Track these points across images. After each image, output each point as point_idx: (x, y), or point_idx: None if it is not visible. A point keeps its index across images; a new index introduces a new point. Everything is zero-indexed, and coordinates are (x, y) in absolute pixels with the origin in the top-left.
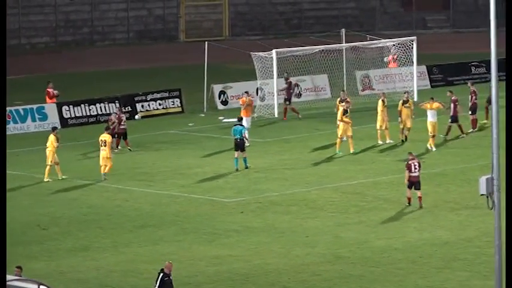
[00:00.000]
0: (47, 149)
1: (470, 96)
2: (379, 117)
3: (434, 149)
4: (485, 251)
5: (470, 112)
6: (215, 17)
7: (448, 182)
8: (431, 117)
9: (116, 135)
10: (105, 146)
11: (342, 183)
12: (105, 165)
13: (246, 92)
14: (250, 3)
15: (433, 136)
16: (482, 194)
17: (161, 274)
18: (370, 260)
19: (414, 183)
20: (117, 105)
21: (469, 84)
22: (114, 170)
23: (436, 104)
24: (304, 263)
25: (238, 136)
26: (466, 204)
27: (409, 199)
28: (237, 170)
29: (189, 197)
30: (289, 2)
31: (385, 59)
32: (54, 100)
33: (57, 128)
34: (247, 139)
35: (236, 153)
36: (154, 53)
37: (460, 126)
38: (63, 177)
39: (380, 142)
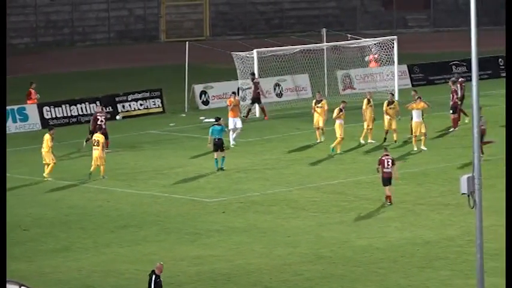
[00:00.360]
0: (43, 150)
1: (451, 95)
2: (367, 117)
3: (425, 148)
4: (467, 250)
5: (451, 111)
6: (196, 17)
7: (430, 181)
8: (416, 117)
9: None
10: (97, 145)
11: (323, 183)
12: (97, 165)
13: (233, 93)
14: (231, 3)
15: (425, 135)
16: (463, 193)
17: (153, 276)
18: (352, 260)
19: (387, 179)
20: (98, 104)
21: (450, 83)
22: (95, 170)
23: (421, 104)
24: (286, 262)
25: (216, 136)
26: (447, 203)
27: (389, 197)
28: (217, 170)
29: (170, 197)
30: (270, 1)
31: (366, 59)
32: (35, 102)
33: (53, 127)
34: (240, 130)
35: (215, 154)
36: (135, 53)
37: (452, 119)
38: (48, 178)
39: (362, 142)
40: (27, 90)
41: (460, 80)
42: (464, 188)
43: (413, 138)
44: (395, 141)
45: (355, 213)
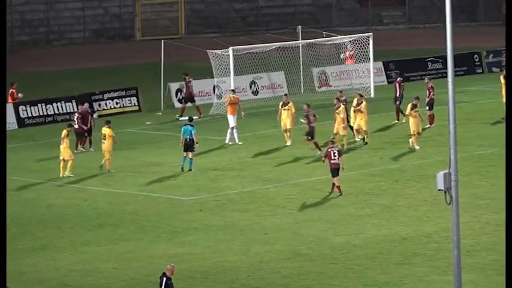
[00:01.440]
0: (61, 146)
1: (427, 91)
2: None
3: (417, 147)
4: (444, 246)
5: (427, 108)
6: (171, 15)
7: (406, 178)
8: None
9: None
10: (104, 139)
11: (300, 180)
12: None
13: (232, 90)
14: (206, 1)
15: (419, 134)
16: (439, 190)
17: (164, 278)
18: (329, 257)
19: (335, 170)
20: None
21: (426, 80)
22: (73, 169)
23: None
24: (264, 260)
25: (187, 136)
26: (424, 199)
27: (339, 187)
28: (182, 169)
29: (147, 195)
30: None
31: (342, 56)
32: (17, 102)
33: (72, 125)
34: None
35: (185, 153)
36: (110, 52)
37: (429, 115)
38: (68, 174)
39: (357, 139)
40: (9, 90)
41: (398, 79)
42: (440, 185)
43: (413, 137)
44: (365, 142)
45: (332, 210)
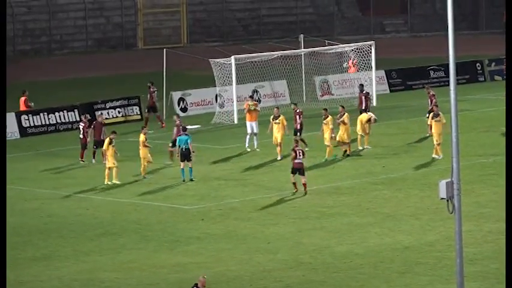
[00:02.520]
0: (108, 153)
1: (429, 100)
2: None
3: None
4: (447, 255)
5: (428, 115)
6: (173, 24)
7: (409, 187)
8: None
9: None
10: (140, 145)
11: (302, 189)
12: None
13: (250, 96)
14: (208, 10)
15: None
16: (442, 198)
17: None
18: (332, 266)
19: (298, 169)
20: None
21: (426, 89)
22: (75, 178)
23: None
24: (266, 269)
25: (183, 145)
26: (426, 208)
27: (294, 184)
28: (183, 181)
29: (150, 204)
30: (248, 8)
31: (345, 65)
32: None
33: (115, 131)
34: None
35: (182, 164)
36: (113, 61)
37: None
38: (114, 182)
39: (360, 147)
40: (20, 98)
41: (364, 92)
42: (443, 193)
43: (438, 147)
44: (347, 154)
45: (334, 219)
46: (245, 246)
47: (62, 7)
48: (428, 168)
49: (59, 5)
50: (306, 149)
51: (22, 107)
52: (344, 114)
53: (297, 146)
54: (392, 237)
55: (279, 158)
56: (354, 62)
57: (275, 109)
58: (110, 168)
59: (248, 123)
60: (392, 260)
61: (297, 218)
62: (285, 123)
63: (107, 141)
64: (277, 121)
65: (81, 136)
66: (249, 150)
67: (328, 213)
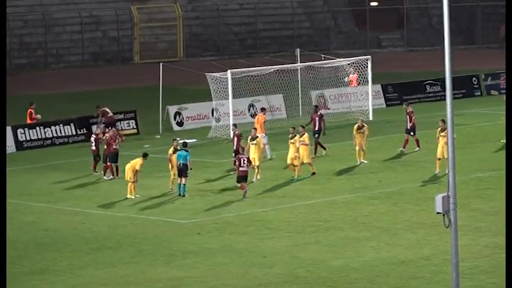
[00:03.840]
0: (127, 165)
1: (408, 117)
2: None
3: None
4: (443, 269)
5: (412, 133)
6: (169, 38)
7: (405, 201)
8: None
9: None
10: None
11: (298, 203)
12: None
13: (262, 109)
14: (204, 24)
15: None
16: (438, 212)
17: None
18: (328, 280)
19: (242, 177)
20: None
21: (404, 106)
22: (71, 192)
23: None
24: (262, 283)
25: (181, 161)
26: (422, 222)
27: (242, 188)
28: (179, 195)
29: (145, 218)
30: (244, 22)
31: (346, 79)
32: (35, 122)
33: (147, 155)
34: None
35: (179, 179)
36: (109, 75)
37: (416, 140)
38: (137, 196)
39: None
40: (27, 110)
41: (318, 113)
42: (439, 207)
43: (438, 162)
44: (313, 173)
45: (330, 233)
46: (241, 260)
47: (58, 21)
48: (425, 183)
49: (55, 18)
50: (324, 153)
51: (29, 120)
52: (304, 134)
53: (243, 155)
54: (389, 251)
55: (254, 180)
56: (355, 76)
57: (253, 130)
58: (131, 182)
59: (260, 135)
60: (389, 274)
61: (293, 232)
62: (262, 145)
63: (140, 162)
64: (254, 142)
65: (93, 148)
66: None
67: (324, 227)
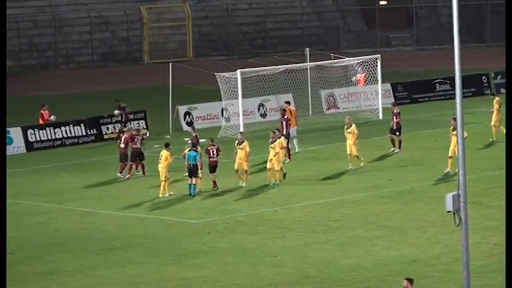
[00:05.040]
0: (159, 165)
1: (394, 116)
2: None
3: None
4: (453, 268)
5: (397, 133)
6: (179, 38)
7: (415, 200)
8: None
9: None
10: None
11: (308, 203)
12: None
13: (286, 102)
14: (214, 24)
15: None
16: (448, 211)
17: None
18: (338, 279)
19: (212, 167)
20: (138, 124)
21: (391, 106)
22: (80, 192)
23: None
24: (273, 283)
25: (192, 162)
26: (433, 221)
27: (214, 182)
28: (194, 195)
29: (156, 218)
30: (253, 22)
31: (353, 79)
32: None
33: (169, 144)
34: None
35: (189, 180)
36: (118, 75)
37: (399, 141)
38: (171, 193)
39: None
40: (39, 111)
41: (286, 117)
42: (449, 206)
43: (449, 160)
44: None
45: (341, 232)
46: (251, 260)
47: (68, 21)
48: (435, 181)
49: (64, 19)
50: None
51: (41, 121)
52: (281, 137)
53: (212, 145)
54: (399, 250)
55: (242, 183)
56: (363, 75)
57: (239, 134)
58: (165, 181)
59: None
60: (399, 273)
61: (303, 232)
62: (248, 149)
63: (167, 154)
64: (240, 146)
65: (122, 145)
66: (297, 151)
67: (334, 227)
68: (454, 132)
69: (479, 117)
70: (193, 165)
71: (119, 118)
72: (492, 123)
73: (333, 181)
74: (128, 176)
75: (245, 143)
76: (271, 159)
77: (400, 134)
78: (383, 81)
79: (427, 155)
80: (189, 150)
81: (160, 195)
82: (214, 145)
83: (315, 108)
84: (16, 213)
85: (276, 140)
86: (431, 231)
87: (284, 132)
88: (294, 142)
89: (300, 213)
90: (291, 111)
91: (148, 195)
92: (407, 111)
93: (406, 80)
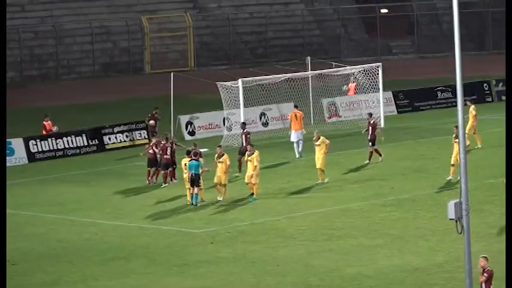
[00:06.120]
0: (184, 174)
1: (370, 128)
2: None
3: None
4: (456, 276)
5: (370, 144)
6: (180, 48)
7: (417, 208)
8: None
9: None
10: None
11: (310, 211)
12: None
13: (295, 106)
14: (215, 33)
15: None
16: (451, 219)
17: None
18: None
19: (164, 165)
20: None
21: (367, 117)
22: (82, 203)
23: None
24: None
25: (193, 171)
26: (435, 229)
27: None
28: (192, 204)
29: (158, 228)
30: (254, 31)
31: (344, 88)
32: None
33: (191, 151)
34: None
35: (191, 189)
36: (120, 85)
37: (376, 150)
38: (203, 200)
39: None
40: (42, 122)
41: (245, 131)
42: (452, 214)
43: (451, 168)
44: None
45: (343, 241)
46: (254, 269)
47: (69, 32)
48: (437, 189)
49: (65, 30)
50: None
51: (44, 132)
52: (253, 153)
53: (171, 142)
54: (402, 258)
55: (220, 198)
56: (354, 84)
57: (217, 148)
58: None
59: (293, 132)
60: (402, 281)
61: (305, 240)
62: (228, 163)
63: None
64: (220, 160)
65: (150, 151)
66: (298, 157)
67: (337, 235)
68: (456, 140)
69: (481, 125)
70: (195, 174)
71: (156, 129)
72: (466, 131)
73: (335, 189)
74: (165, 184)
75: (225, 157)
76: (252, 174)
77: (373, 145)
78: (384, 90)
79: (429, 163)
80: (190, 160)
81: (220, 199)
82: (172, 142)
83: (317, 116)
84: (18, 224)
85: (253, 153)
86: (434, 239)
87: (242, 146)
88: (295, 146)
89: (303, 222)
90: (296, 115)
91: (150, 205)
92: (409, 119)
93: (408, 88)
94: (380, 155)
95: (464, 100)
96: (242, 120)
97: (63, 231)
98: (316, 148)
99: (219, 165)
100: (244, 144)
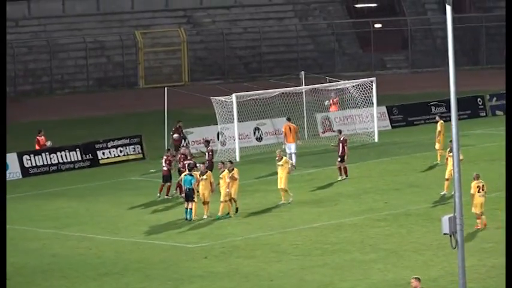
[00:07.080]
0: (201, 188)
1: (341, 145)
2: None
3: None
4: None
5: (339, 159)
6: (174, 62)
7: (412, 222)
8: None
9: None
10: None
11: (304, 226)
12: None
13: (288, 119)
14: (209, 48)
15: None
16: (445, 233)
17: None
18: None
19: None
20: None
21: (336, 133)
22: (76, 217)
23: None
24: None
25: (187, 186)
26: (429, 244)
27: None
28: (190, 220)
29: (152, 243)
30: (248, 46)
31: (326, 103)
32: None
33: (192, 168)
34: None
35: (185, 204)
36: (114, 100)
37: (344, 168)
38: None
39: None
40: (35, 138)
41: (209, 148)
42: (446, 228)
43: (446, 182)
44: (236, 207)
45: (337, 255)
46: (248, 284)
47: (63, 47)
48: (431, 204)
49: (59, 44)
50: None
51: (37, 146)
52: (233, 169)
53: (172, 155)
54: (396, 273)
55: (205, 216)
56: (335, 100)
57: (201, 165)
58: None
59: (287, 145)
60: None
61: (299, 255)
62: (212, 179)
63: (225, 173)
64: (204, 177)
65: (164, 168)
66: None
67: (331, 250)
68: (451, 154)
69: (474, 140)
70: (189, 189)
71: (183, 143)
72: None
73: (329, 204)
74: (166, 196)
75: (209, 173)
76: (229, 191)
77: (343, 161)
78: (378, 104)
79: (423, 177)
80: (184, 175)
81: (204, 217)
82: (170, 155)
83: (311, 131)
84: (12, 239)
85: (224, 171)
86: (428, 254)
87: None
88: (293, 157)
89: (297, 237)
90: (290, 128)
91: (145, 219)
92: (403, 134)
93: (402, 103)
94: (346, 174)
95: (434, 115)
96: (235, 135)
97: (58, 246)
98: (279, 168)
99: (202, 182)
100: (208, 162)
